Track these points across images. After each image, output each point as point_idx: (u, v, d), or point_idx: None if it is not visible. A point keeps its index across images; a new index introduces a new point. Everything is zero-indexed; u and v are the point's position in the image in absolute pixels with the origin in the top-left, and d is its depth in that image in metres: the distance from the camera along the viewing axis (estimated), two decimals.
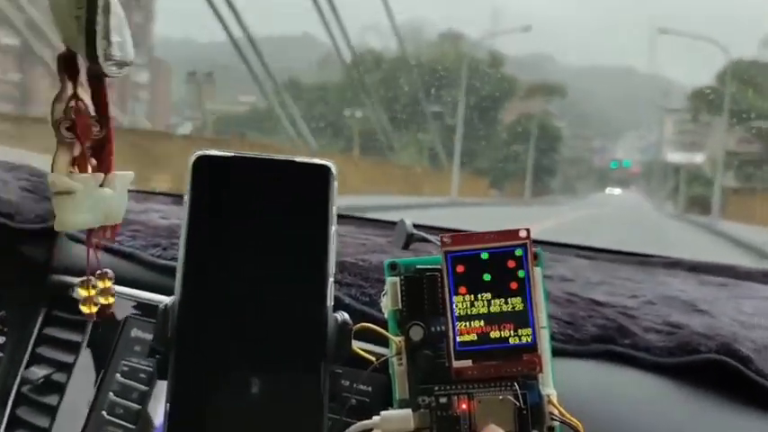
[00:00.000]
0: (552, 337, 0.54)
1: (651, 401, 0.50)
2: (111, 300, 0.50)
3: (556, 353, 0.53)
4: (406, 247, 0.82)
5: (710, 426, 0.48)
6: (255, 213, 0.37)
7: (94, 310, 0.49)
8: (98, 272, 0.48)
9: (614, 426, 0.48)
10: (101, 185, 0.44)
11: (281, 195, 0.38)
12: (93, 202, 0.43)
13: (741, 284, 0.80)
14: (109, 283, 0.50)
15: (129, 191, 0.48)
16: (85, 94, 0.44)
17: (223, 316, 0.37)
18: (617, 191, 22.96)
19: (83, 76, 0.44)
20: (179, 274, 0.37)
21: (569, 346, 0.54)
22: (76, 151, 0.43)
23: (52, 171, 0.41)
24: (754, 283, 0.82)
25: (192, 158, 0.38)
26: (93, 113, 0.44)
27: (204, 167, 0.38)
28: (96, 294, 0.49)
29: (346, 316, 0.38)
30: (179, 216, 0.86)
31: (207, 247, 0.37)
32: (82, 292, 0.48)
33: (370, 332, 0.40)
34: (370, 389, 0.53)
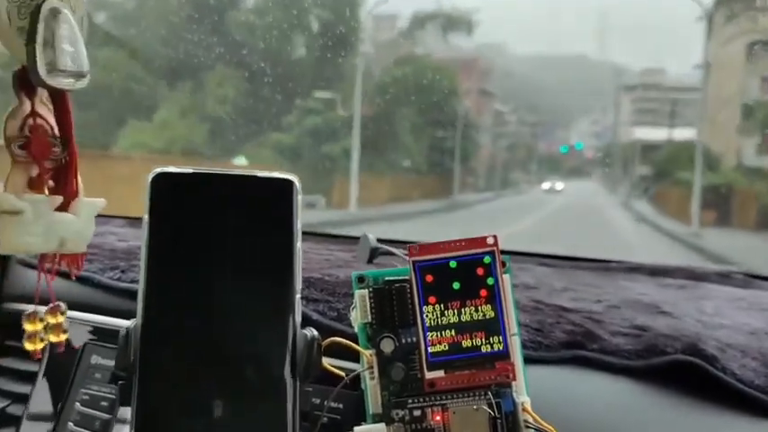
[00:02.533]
0: (522, 345, 0.54)
1: (621, 404, 0.51)
2: (63, 337, 0.46)
3: (526, 360, 0.53)
4: (370, 261, 0.81)
5: (680, 424, 0.49)
6: (217, 231, 0.37)
7: (40, 346, 0.45)
8: (50, 305, 0.45)
9: (589, 429, 0.48)
10: (62, 209, 0.42)
11: (243, 211, 0.37)
12: (45, 225, 0.40)
13: (699, 285, 0.82)
14: (61, 319, 0.46)
15: None
16: (49, 113, 0.43)
17: (187, 338, 0.36)
18: (559, 185, 18.50)
19: (45, 94, 0.42)
20: (140, 297, 0.36)
21: (539, 352, 0.54)
22: (35, 172, 0.41)
23: (4, 190, 0.39)
24: (710, 284, 0.84)
25: (150, 176, 0.37)
26: (55, 133, 0.42)
27: (163, 185, 0.37)
28: (45, 330, 0.45)
29: (315, 332, 0.37)
30: (137, 238, 0.84)
31: (168, 268, 0.36)
32: (27, 327, 0.44)
33: (339, 347, 0.39)
34: (341, 406, 0.52)
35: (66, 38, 0.39)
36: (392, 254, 0.81)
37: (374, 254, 0.82)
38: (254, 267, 0.37)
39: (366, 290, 0.39)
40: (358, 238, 0.88)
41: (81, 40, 0.40)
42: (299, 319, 0.37)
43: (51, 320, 0.45)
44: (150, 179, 0.37)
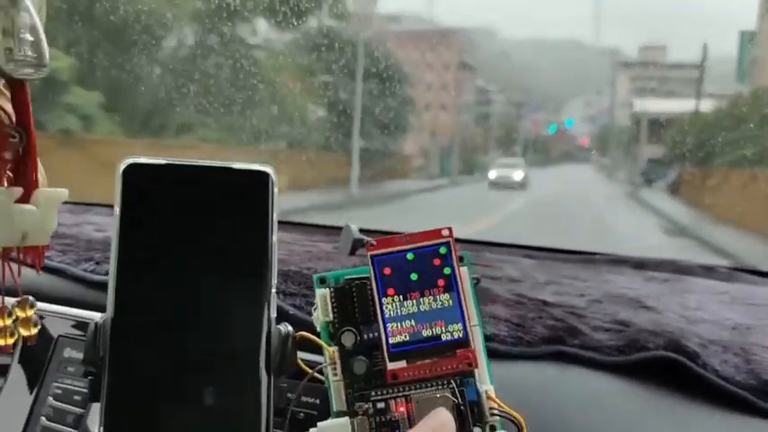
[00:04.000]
0: (502, 341, 0.53)
1: (602, 400, 0.50)
2: (34, 330, 0.44)
3: (506, 356, 0.52)
4: (352, 252, 0.80)
5: (660, 420, 0.48)
6: (190, 223, 0.36)
7: (11, 341, 0.43)
8: (18, 299, 0.43)
9: (566, 423, 0.48)
10: (23, 201, 0.41)
11: (218, 204, 0.36)
12: (5, 219, 0.39)
13: (683, 279, 0.81)
14: (31, 312, 0.44)
15: (65, 203, 0.44)
16: (6, 102, 0.42)
17: (158, 332, 0.35)
18: (518, 173, 12.54)
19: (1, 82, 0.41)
20: (110, 290, 0.35)
21: (519, 348, 0.53)
22: None
23: None
24: (695, 278, 0.84)
25: (122, 166, 0.36)
26: (11, 122, 0.41)
27: (134, 176, 0.36)
28: (15, 324, 0.43)
29: (290, 328, 0.37)
30: None
31: (140, 261, 0.35)
32: None
33: (305, 341, 0.38)
34: (318, 401, 0.52)
35: (27, 26, 0.38)
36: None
37: (356, 245, 0.81)
38: (229, 261, 0.36)
39: (327, 289, 0.39)
40: (340, 228, 0.87)
41: (41, 28, 0.39)
42: (274, 314, 0.36)
43: (21, 314, 0.44)
44: (122, 170, 0.36)
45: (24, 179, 0.41)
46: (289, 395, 0.50)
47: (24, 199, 0.40)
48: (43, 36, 0.39)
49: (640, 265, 0.89)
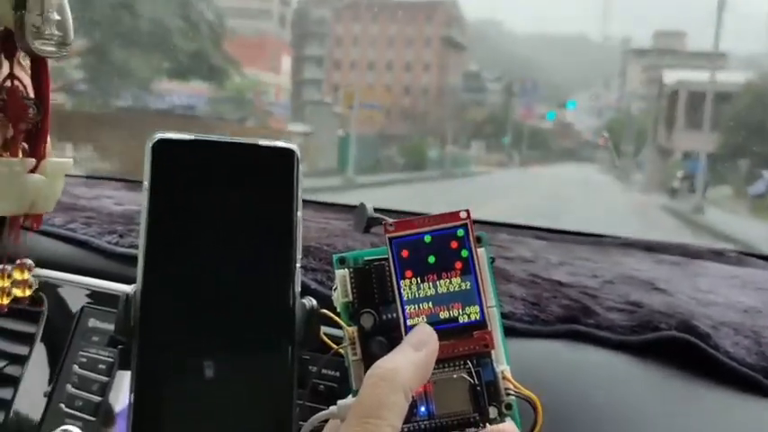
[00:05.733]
0: (519, 319, 0.54)
1: (615, 378, 0.51)
2: (28, 292, 0.48)
3: (522, 333, 0.54)
4: (366, 230, 0.81)
5: (672, 399, 0.49)
6: (218, 199, 0.36)
7: (6, 301, 0.47)
8: (18, 261, 0.46)
9: (581, 402, 0.49)
10: (32, 171, 0.42)
11: (244, 180, 0.37)
12: (18, 187, 0.41)
13: (693, 262, 0.82)
14: (27, 275, 0.47)
15: (78, 176, 0.46)
16: (27, 76, 0.42)
17: (187, 304, 0.36)
18: None
19: (23, 57, 0.42)
20: (140, 262, 0.36)
21: (535, 326, 0.54)
22: (9, 134, 0.41)
23: None
24: (705, 261, 0.84)
25: (151, 141, 0.36)
26: (31, 95, 0.42)
27: (164, 151, 0.36)
28: (10, 285, 0.47)
29: (314, 302, 0.37)
30: (133, 201, 0.84)
31: (168, 234, 0.36)
32: None
33: (328, 319, 0.39)
34: (338, 374, 0.53)
35: (55, 6, 0.39)
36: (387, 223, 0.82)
37: (371, 223, 0.82)
38: (255, 235, 0.36)
39: (346, 270, 0.39)
40: (353, 207, 0.88)
41: (67, 8, 0.40)
42: (298, 288, 0.37)
43: (18, 276, 0.47)
44: (151, 145, 0.36)
45: (35, 150, 0.42)
46: (310, 367, 0.52)
47: (34, 168, 0.42)
48: (69, 15, 0.40)
49: (650, 247, 0.90)
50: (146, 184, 0.36)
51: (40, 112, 0.42)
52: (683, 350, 0.51)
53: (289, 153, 0.37)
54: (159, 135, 0.37)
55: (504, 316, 0.39)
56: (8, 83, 0.40)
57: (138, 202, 0.85)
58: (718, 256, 0.87)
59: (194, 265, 0.36)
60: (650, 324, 0.54)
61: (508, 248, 0.80)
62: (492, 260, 0.40)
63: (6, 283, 0.46)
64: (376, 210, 0.84)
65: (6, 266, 0.46)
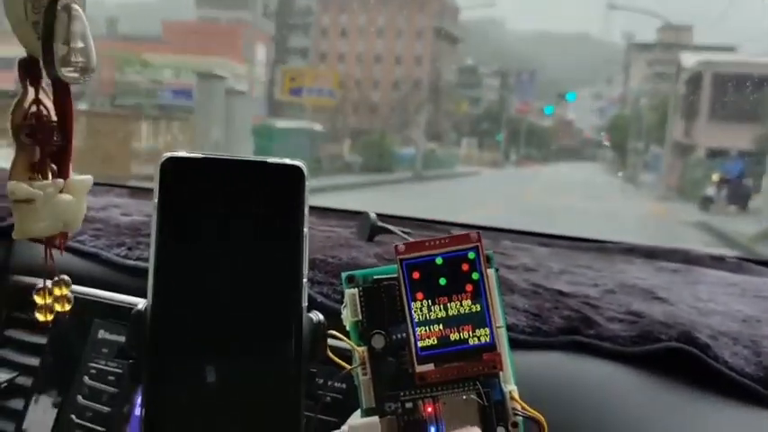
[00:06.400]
0: (522, 330, 0.55)
1: (616, 388, 0.52)
2: (67, 307, 0.49)
3: (524, 345, 0.55)
4: (370, 239, 0.82)
5: (673, 409, 0.50)
6: (227, 215, 0.37)
7: (50, 318, 0.48)
8: (55, 278, 0.48)
9: (583, 414, 0.50)
10: (60, 191, 0.43)
11: (253, 197, 0.38)
12: (52, 209, 0.42)
13: (693, 269, 0.83)
14: (66, 290, 0.49)
15: None
16: (48, 100, 0.44)
17: (197, 320, 0.37)
18: None
19: (46, 82, 0.43)
20: (150, 279, 0.37)
21: (537, 338, 0.55)
22: (35, 157, 0.42)
23: (11, 177, 0.41)
24: (705, 268, 0.85)
25: (161, 160, 0.37)
26: (54, 119, 0.43)
27: (173, 169, 0.37)
28: (52, 302, 0.48)
29: (321, 316, 0.38)
30: (140, 211, 0.85)
31: (178, 251, 0.37)
32: (38, 300, 0.48)
33: (334, 338, 0.40)
34: (344, 386, 0.54)
35: (79, 34, 0.40)
36: (391, 232, 0.83)
37: (375, 232, 0.83)
38: (263, 251, 0.37)
39: (356, 289, 0.40)
40: (358, 213, 0.89)
41: (90, 35, 0.41)
42: (305, 302, 0.38)
43: (57, 292, 0.49)
44: (160, 163, 0.37)
45: (62, 171, 0.44)
46: (317, 379, 0.53)
47: (61, 189, 0.43)
48: (92, 42, 0.41)
49: (651, 254, 0.91)
50: (155, 201, 0.37)
51: (65, 136, 0.43)
52: (683, 360, 0.52)
53: (296, 170, 0.38)
54: (169, 153, 0.38)
55: (507, 328, 0.40)
56: (34, 108, 0.42)
57: (143, 211, 0.85)
58: (718, 262, 0.88)
59: (203, 280, 0.37)
60: (651, 335, 0.55)
61: (511, 256, 0.81)
62: (496, 270, 0.40)
63: (49, 300, 0.48)
64: (379, 216, 0.85)
65: (47, 284, 0.48)
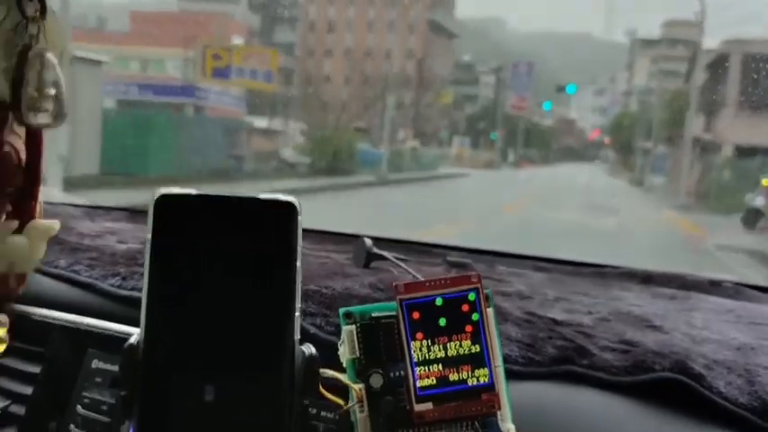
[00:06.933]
0: (514, 361, 0.55)
1: (610, 419, 0.52)
2: (2, 347, 0.51)
3: (517, 376, 0.54)
4: (366, 265, 0.82)
5: None
6: (220, 250, 0.38)
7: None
8: None
9: None
10: (17, 231, 0.43)
11: (245, 233, 0.38)
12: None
13: (690, 296, 0.83)
14: (2, 331, 0.51)
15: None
16: (20, 142, 0.44)
17: (189, 352, 0.37)
18: None
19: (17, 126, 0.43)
20: (143, 314, 0.37)
21: (530, 368, 0.55)
22: None
23: None
24: (701, 294, 0.85)
25: (154, 197, 0.38)
26: (21, 159, 0.44)
27: (166, 207, 0.38)
28: None
29: (313, 349, 0.38)
30: (136, 238, 0.85)
31: (170, 287, 0.37)
32: None
33: (331, 379, 0.40)
34: (336, 416, 0.54)
35: (50, 82, 0.40)
36: (387, 259, 0.83)
37: (370, 258, 0.83)
38: (255, 285, 0.37)
39: (354, 326, 0.40)
40: (355, 237, 0.89)
41: (62, 82, 0.42)
42: (298, 335, 0.38)
43: None
44: (154, 200, 0.38)
45: (23, 213, 0.44)
46: (310, 410, 0.53)
47: (18, 230, 0.43)
48: (63, 89, 0.42)
49: (648, 279, 0.91)
50: (148, 237, 0.38)
51: (31, 179, 0.44)
52: (677, 390, 0.52)
53: (289, 206, 0.39)
54: (163, 190, 0.38)
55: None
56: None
57: (139, 237, 0.86)
58: (714, 287, 0.88)
59: (196, 315, 0.37)
60: (644, 364, 0.55)
61: (506, 282, 0.81)
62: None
63: None
64: (374, 240, 0.85)
65: None
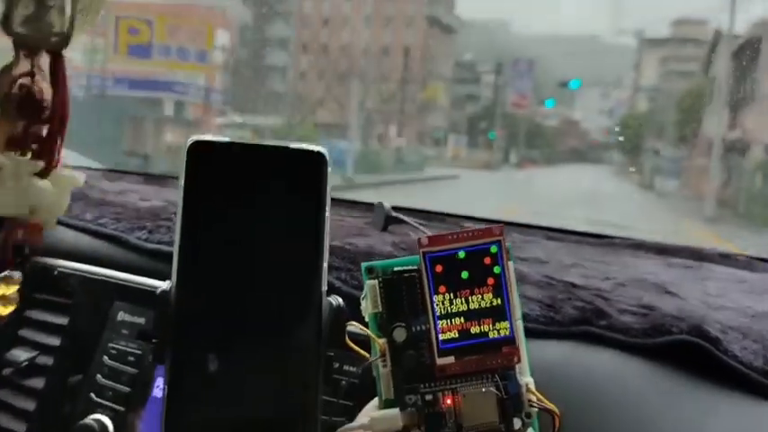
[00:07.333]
0: (535, 320, 0.56)
1: (627, 380, 0.53)
2: (10, 308, 0.48)
3: (537, 334, 0.56)
4: (384, 229, 0.83)
5: (682, 402, 0.51)
6: (250, 199, 0.38)
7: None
8: (2, 274, 0.46)
9: (593, 403, 0.51)
10: (41, 176, 0.41)
11: (276, 181, 0.38)
12: (20, 188, 0.40)
13: (703, 266, 0.84)
14: (12, 289, 0.48)
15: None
16: (46, 83, 0.42)
17: (219, 301, 0.37)
18: None
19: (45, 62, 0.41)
20: (175, 260, 0.37)
21: (551, 327, 0.56)
22: (17, 130, 0.41)
23: None
24: (714, 265, 0.86)
25: (188, 143, 0.38)
26: (46, 98, 0.41)
27: (200, 153, 0.38)
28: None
29: (340, 300, 0.39)
30: (158, 196, 0.86)
31: (202, 234, 0.37)
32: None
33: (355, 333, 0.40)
34: (359, 370, 0.55)
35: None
36: (405, 222, 0.83)
37: (389, 222, 0.84)
38: (284, 235, 0.38)
39: (376, 280, 0.40)
40: (369, 204, 0.90)
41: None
42: (325, 287, 0.38)
43: (2, 290, 0.49)
44: (187, 146, 0.38)
45: (47, 155, 0.42)
46: (334, 364, 0.54)
47: (43, 174, 0.41)
48: (69, 9, 0.40)
49: (661, 250, 0.92)
50: (181, 183, 0.38)
51: (55, 116, 0.42)
52: (693, 353, 0.53)
53: (319, 155, 0.39)
54: (195, 137, 0.38)
55: (521, 317, 0.41)
56: (24, 80, 0.40)
57: (160, 196, 0.86)
58: (727, 259, 0.89)
59: (226, 263, 0.38)
60: (662, 327, 0.55)
61: (522, 248, 0.82)
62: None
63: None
64: (394, 208, 0.86)
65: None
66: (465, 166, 15.08)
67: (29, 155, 0.42)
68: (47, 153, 0.42)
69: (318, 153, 0.39)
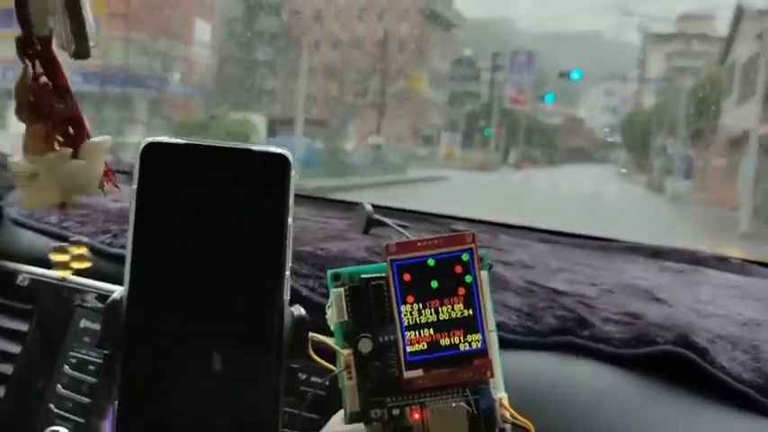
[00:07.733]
0: (513, 330, 0.54)
1: (609, 392, 0.51)
2: (87, 264, 0.58)
3: (515, 345, 0.53)
4: (366, 231, 0.81)
5: (667, 415, 0.49)
6: (208, 203, 0.36)
7: (69, 274, 0.58)
8: (72, 238, 0.57)
9: (573, 417, 0.48)
10: (73, 156, 0.42)
11: (236, 184, 0.37)
12: (58, 179, 0.42)
13: (697, 270, 0.81)
14: (84, 249, 0.57)
15: None
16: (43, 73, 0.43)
17: (174, 309, 0.36)
18: None
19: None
20: (127, 268, 0.36)
21: (529, 338, 0.54)
22: (46, 129, 0.42)
23: (26, 154, 0.41)
24: (708, 269, 0.83)
25: (142, 145, 0.36)
26: (53, 88, 0.42)
27: (154, 155, 0.36)
28: (71, 260, 0.57)
29: (303, 311, 0.37)
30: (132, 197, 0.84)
31: (155, 238, 0.36)
32: (58, 258, 0.56)
33: (320, 344, 0.39)
34: (327, 382, 0.52)
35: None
36: (386, 225, 0.81)
37: (370, 224, 0.82)
38: (245, 241, 0.36)
39: (342, 288, 0.38)
40: (356, 204, 0.88)
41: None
42: (287, 295, 0.36)
43: (75, 251, 0.59)
44: (141, 148, 0.36)
45: (74, 137, 0.43)
46: (300, 375, 0.52)
47: (74, 154, 0.42)
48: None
49: (656, 253, 0.89)
50: (134, 187, 0.36)
51: (67, 101, 0.42)
52: (679, 365, 0.51)
53: (282, 158, 0.37)
54: (150, 139, 0.37)
55: (498, 326, 0.38)
56: (33, 84, 0.41)
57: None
58: (722, 263, 0.86)
59: (181, 269, 0.36)
60: (646, 337, 0.53)
61: (509, 252, 0.80)
62: (490, 267, 0.39)
63: (67, 258, 0.59)
64: (375, 207, 0.83)
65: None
66: (459, 166, 14.31)
67: (57, 147, 0.42)
68: (74, 135, 0.43)
69: (281, 156, 0.37)
